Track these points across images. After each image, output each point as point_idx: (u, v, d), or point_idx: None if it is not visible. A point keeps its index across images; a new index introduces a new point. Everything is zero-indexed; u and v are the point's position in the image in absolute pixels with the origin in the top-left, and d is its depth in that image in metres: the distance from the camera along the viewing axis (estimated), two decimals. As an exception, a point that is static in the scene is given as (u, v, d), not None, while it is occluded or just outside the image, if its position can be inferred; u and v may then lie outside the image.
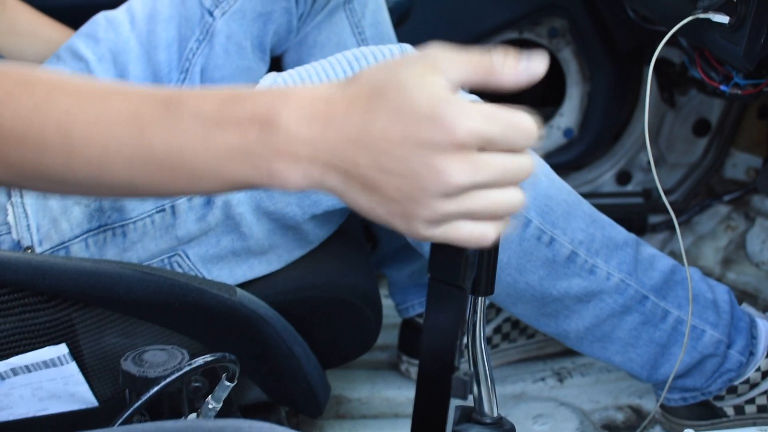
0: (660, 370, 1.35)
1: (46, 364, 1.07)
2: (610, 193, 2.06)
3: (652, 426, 1.50)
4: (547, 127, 2.03)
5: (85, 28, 1.41)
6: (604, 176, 2.07)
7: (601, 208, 1.32)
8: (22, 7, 1.47)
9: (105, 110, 0.70)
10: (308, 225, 1.20)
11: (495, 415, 0.90)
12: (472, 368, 0.88)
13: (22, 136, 0.71)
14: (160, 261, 1.17)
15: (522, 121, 0.65)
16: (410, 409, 0.76)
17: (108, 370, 1.12)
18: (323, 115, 0.65)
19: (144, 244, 1.16)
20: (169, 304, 1.09)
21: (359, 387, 1.64)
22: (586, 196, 1.32)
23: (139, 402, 0.87)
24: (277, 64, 1.51)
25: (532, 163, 0.66)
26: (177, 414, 0.93)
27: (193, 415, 0.95)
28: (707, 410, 1.41)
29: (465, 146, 0.63)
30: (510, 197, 0.66)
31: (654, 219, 2.04)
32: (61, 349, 1.07)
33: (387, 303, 1.63)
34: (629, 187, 2.08)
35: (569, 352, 1.63)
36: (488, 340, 1.65)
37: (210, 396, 0.96)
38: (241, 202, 1.16)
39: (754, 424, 1.40)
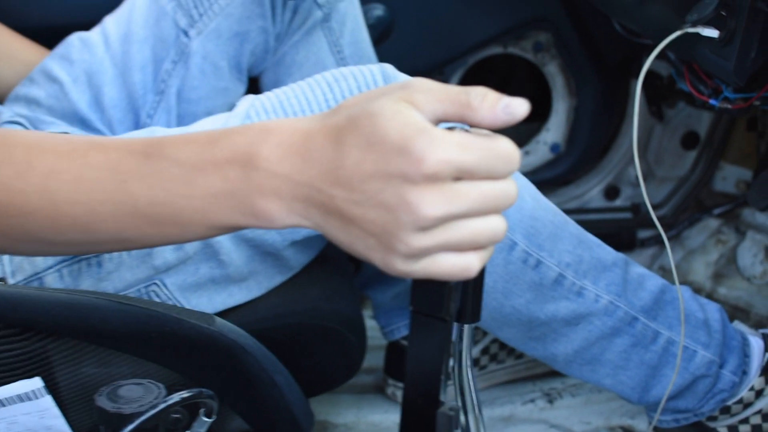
0: (651, 392, 1.33)
1: (21, 398, 1.05)
2: (598, 208, 2.03)
3: (644, 448, 1.48)
4: (534, 142, 2.01)
5: (59, 49, 1.39)
6: (592, 191, 2.05)
7: (589, 224, 1.30)
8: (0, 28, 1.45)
9: (85, 168, 0.71)
10: (288, 251, 1.17)
11: (484, 444, 0.88)
12: (458, 397, 0.85)
13: (6, 204, 0.72)
14: (137, 290, 1.15)
15: (501, 147, 0.63)
16: (397, 434, 0.75)
17: (85, 401, 1.09)
18: (302, 149, 0.64)
19: (120, 274, 1.13)
20: (147, 335, 1.07)
21: (344, 412, 1.61)
22: (573, 212, 1.30)
23: (114, 440, 0.86)
24: (255, 85, 1.48)
25: (515, 188, 0.64)
26: (155, 449, 0.92)
27: (173, 449, 0.93)
28: (700, 431, 1.39)
29: (437, 177, 0.61)
30: (491, 226, 0.64)
31: (643, 234, 2.02)
32: (36, 383, 1.05)
33: (372, 324, 1.61)
34: (617, 202, 2.06)
35: (559, 373, 1.60)
36: (476, 362, 1.63)
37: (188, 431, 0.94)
38: (219, 229, 1.13)
39: (749, 445, 1.38)
